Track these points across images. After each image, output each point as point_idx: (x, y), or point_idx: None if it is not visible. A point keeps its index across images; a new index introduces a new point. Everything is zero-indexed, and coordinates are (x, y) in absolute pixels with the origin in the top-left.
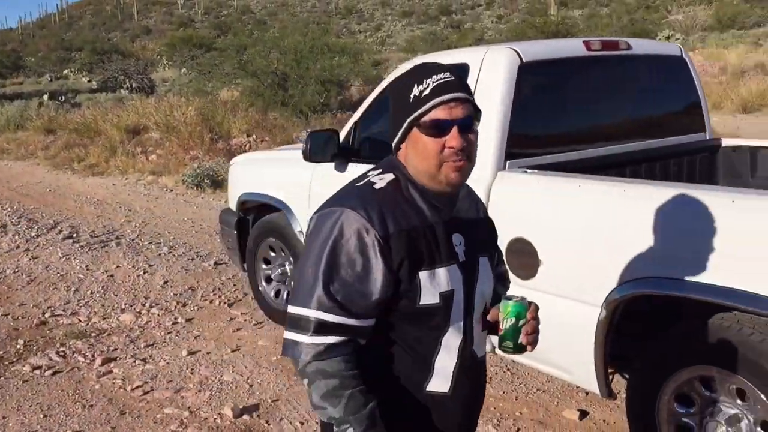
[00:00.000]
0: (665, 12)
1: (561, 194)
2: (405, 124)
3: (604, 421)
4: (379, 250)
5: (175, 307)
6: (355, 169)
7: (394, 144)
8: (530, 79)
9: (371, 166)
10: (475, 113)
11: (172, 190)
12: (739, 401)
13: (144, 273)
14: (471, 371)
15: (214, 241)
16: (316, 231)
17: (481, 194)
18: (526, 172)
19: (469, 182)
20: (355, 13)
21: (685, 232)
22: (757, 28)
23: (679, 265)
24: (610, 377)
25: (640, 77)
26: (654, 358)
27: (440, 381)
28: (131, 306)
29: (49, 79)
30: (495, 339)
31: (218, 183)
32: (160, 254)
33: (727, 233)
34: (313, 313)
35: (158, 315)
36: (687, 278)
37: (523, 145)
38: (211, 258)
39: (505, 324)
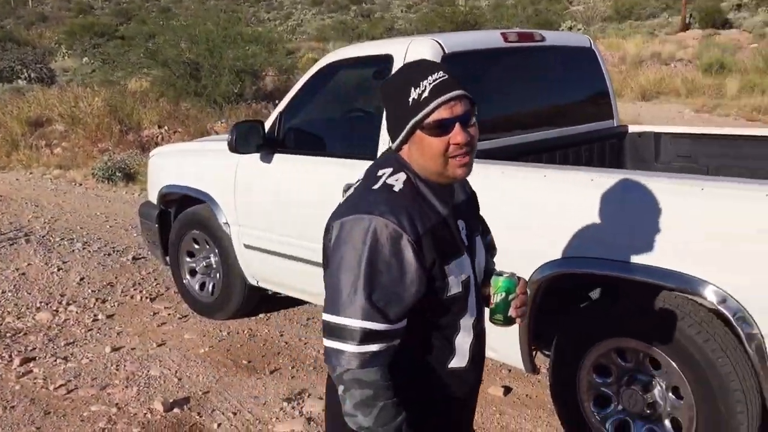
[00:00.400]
0: (567, 3)
1: (484, 180)
2: (407, 128)
3: (527, 395)
4: (413, 253)
5: (94, 303)
6: (280, 160)
7: (395, 145)
8: (452, 69)
9: (298, 156)
10: (472, 107)
11: (81, 184)
12: (653, 370)
13: (58, 270)
14: (480, 343)
15: (131, 235)
16: (346, 239)
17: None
18: None
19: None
20: (264, 1)
21: (601, 215)
22: (653, 18)
23: (599, 245)
24: (534, 353)
25: (553, 68)
26: (575, 332)
27: (460, 358)
28: (47, 304)
29: None
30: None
31: (131, 176)
32: (73, 250)
33: (634, 214)
34: (357, 323)
35: (77, 312)
36: (606, 257)
37: None
38: (128, 253)
39: (496, 298)
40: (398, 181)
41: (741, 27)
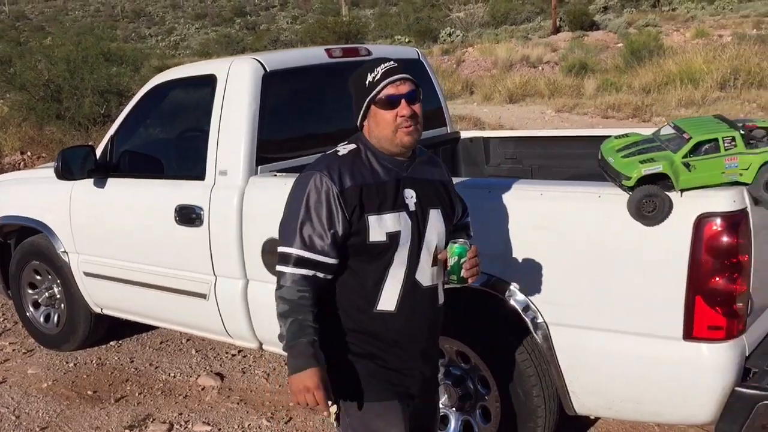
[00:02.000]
0: (447, 10)
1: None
2: (365, 104)
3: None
4: (337, 200)
5: None
6: (113, 184)
7: (358, 122)
8: (275, 87)
9: (130, 179)
10: (416, 88)
11: None
12: (463, 364)
13: None
14: (414, 295)
15: None
16: (296, 189)
17: (235, 200)
18: (275, 175)
19: (224, 189)
20: (144, 17)
21: None
22: (527, 23)
23: None
24: None
25: None
26: None
27: (387, 302)
28: None
29: None
30: None
31: None
32: None
33: None
34: (294, 251)
35: None
36: None
37: (273, 150)
38: None
39: (451, 261)
40: (345, 149)
41: (607, 28)
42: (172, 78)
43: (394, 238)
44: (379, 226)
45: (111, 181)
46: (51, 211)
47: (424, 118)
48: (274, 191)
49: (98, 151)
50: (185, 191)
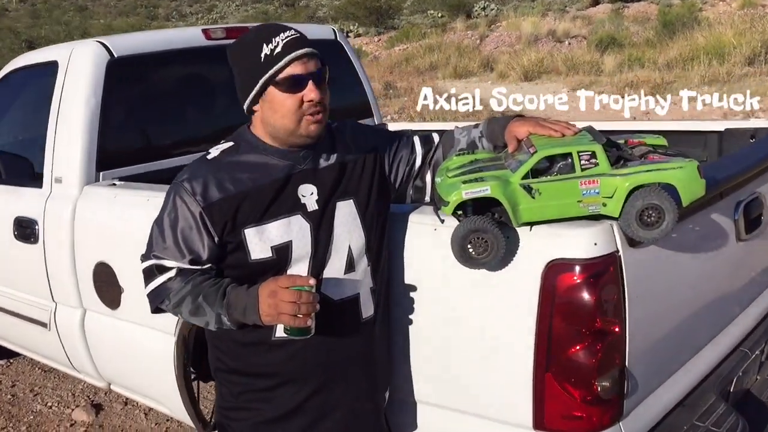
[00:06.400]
0: None
1: (135, 208)
2: (259, 84)
3: None
4: (199, 220)
5: None
6: None
7: (246, 106)
8: (126, 77)
9: None
10: (324, 67)
11: None
12: None
13: None
14: (324, 314)
15: None
16: (164, 200)
17: (67, 213)
18: (114, 184)
19: (59, 199)
20: None
21: None
22: None
23: None
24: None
25: None
26: None
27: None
28: None
29: None
30: None
31: None
32: None
33: None
34: (148, 263)
35: None
36: None
37: (123, 153)
38: None
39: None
40: (217, 149)
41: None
42: (23, 64)
43: (282, 251)
44: (261, 240)
45: None
46: None
47: (347, 110)
48: (103, 204)
49: None
50: (23, 201)
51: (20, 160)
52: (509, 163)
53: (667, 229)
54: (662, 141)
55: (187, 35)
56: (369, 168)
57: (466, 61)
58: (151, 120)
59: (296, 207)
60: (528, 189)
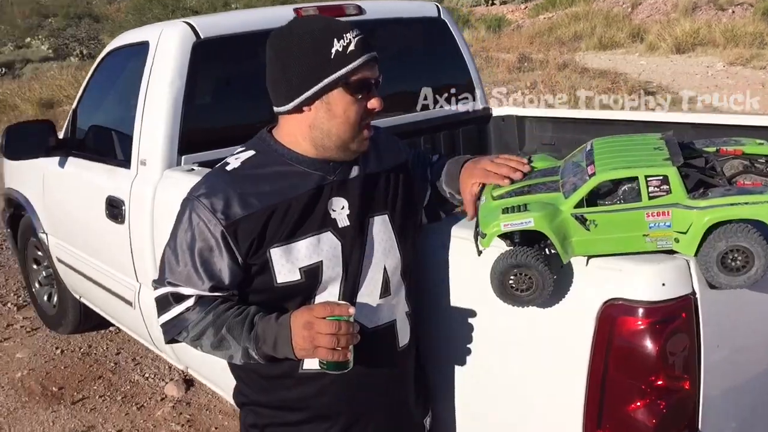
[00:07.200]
0: None
1: None
2: (323, 83)
3: None
4: (221, 241)
5: None
6: (72, 164)
7: (292, 106)
8: (211, 58)
9: (82, 160)
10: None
11: None
12: None
13: None
14: (358, 346)
15: None
16: (176, 219)
17: (149, 196)
18: (193, 169)
19: (142, 182)
20: None
21: None
22: None
23: None
24: None
25: (378, 48)
26: None
27: (312, 360)
28: None
29: (12, 48)
30: None
31: None
32: None
33: None
34: (166, 290)
35: None
36: None
37: (205, 137)
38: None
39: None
40: (238, 159)
41: None
42: (122, 44)
43: (311, 273)
44: (289, 261)
45: (71, 161)
46: (31, 189)
47: (449, 90)
48: (182, 189)
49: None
50: (114, 181)
51: (118, 139)
52: (566, 181)
53: (756, 277)
54: (765, 149)
55: (278, 14)
56: (402, 180)
57: (614, 30)
58: (236, 104)
59: (326, 223)
60: (582, 220)
